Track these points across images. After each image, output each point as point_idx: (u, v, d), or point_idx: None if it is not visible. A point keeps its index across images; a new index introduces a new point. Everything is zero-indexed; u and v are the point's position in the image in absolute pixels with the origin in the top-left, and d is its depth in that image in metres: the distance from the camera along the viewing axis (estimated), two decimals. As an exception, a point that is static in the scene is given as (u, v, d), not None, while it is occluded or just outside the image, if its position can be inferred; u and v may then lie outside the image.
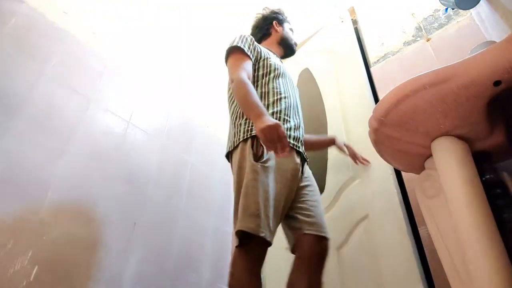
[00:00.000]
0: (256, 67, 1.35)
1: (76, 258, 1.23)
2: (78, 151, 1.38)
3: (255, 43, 1.39)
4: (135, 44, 1.87)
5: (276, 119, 1.21)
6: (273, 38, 1.61)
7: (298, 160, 1.22)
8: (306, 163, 1.31)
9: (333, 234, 1.19)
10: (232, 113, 1.33)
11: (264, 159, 1.11)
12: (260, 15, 1.68)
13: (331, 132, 1.81)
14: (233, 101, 1.34)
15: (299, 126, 1.31)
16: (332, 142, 1.59)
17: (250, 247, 1.02)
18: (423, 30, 1.71)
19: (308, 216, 1.16)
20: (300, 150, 1.25)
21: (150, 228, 1.53)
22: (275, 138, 0.97)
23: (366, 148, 1.46)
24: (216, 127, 2.18)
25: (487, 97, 0.73)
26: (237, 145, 1.20)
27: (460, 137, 0.82)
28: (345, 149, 1.54)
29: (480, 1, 1.19)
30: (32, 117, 1.27)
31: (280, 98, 1.29)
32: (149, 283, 1.43)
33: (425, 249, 1.24)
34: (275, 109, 1.25)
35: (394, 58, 1.76)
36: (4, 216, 1.10)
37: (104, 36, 1.70)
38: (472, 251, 0.69)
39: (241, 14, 1.77)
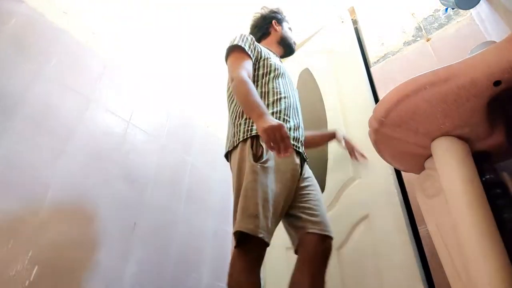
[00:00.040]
0: (256, 66, 1.35)
1: (76, 258, 1.23)
2: (78, 151, 1.37)
3: (255, 42, 1.39)
4: (135, 44, 1.87)
5: (275, 119, 1.21)
6: (272, 38, 1.61)
7: (297, 160, 1.22)
8: (306, 163, 1.31)
9: (333, 234, 1.19)
10: (232, 112, 1.32)
11: (264, 159, 1.11)
12: (258, 14, 1.68)
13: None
14: (233, 100, 1.34)
15: (299, 126, 1.31)
16: (332, 136, 1.59)
17: (249, 248, 1.02)
18: (423, 30, 1.71)
19: (312, 215, 1.16)
20: (300, 150, 1.25)
21: (150, 228, 1.53)
22: (278, 138, 0.97)
23: (366, 148, 1.46)
24: (216, 127, 2.18)
25: (487, 97, 0.73)
26: (237, 145, 1.19)
27: (460, 137, 0.82)
28: (343, 142, 1.54)
29: (480, 1, 1.19)
30: (31, 117, 1.27)
31: (280, 98, 1.29)
32: (149, 283, 1.43)
33: (425, 249, 1.24)
34: (275, 109, 1.24)
35: (394, 58, 1.76)
36: (4, 216, 1.09)
37: (104, 36, 1.70)
38: (472, 251, 0.69)
39: (240, 14, 1.77)
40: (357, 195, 1.53)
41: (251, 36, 1.40)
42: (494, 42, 0.96)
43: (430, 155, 0.87)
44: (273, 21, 1.63)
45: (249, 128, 1.19)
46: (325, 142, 1.65)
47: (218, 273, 1.75)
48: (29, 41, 1.37)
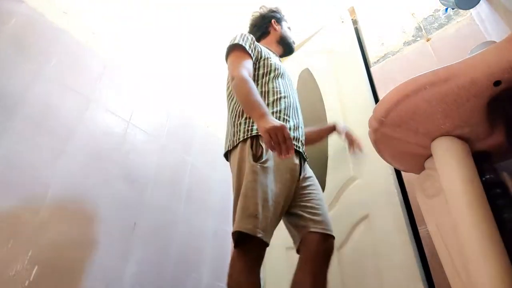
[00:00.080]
0: (256, 66, 1.35)
1: (76, 258, 1.23)
2: (78, 151, 1.38)
3: (256, 42, 1.39)
4: (135, 44, 1.87)
5: (276, 118, 1.21)
6: (272, 37, 1.61)
7: (297, 160, 1.21)
8: (306, 162, 1.31)
9: (334, 234, 1.19)
10: (231, 111, 1.32)
11: (263, 159, 1.11)
12: (257, 14, 1.67)
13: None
14: (232, 98, 1.34)
15: (299, 126, 1.31)
16: (333, 128, 1.60)
17: (248, 248, 1.02)
18: (423, 30, 1.71)
19: (314, 214, 1.17)
20: (300, 150, 1.25)
21: (150, 228, 1.53)
22: (280, 139, 0.97)
23: (366, 148, 1.47)
24: (216, 127, 2.18)
25: (487, 97, 0.73)
26: (237, 145, 1.19)
27: (460, 137, 0.82)
28: (344, 135, 1.55)
29: (480, 1, 1.18)
30: (31, 117, 1.27)
31: (280, 98, 1.29)
32: (149, 283, 1.43)
33: (425, 249, 1.24)
34: (275, 109, 1.24)
35: (394, 58, 1.75)
36: (4, 216, 1.10)
37: (104, 36, 1.70)
38: (472, 251, 0.69)
39: (240, 14, 1.77)
40: (357, 195, 1.53)
41: (251, 35, 1.39)
42: (494, 42, 0.96)
43: (430, 155, 0.87)
44: (273, 20, 1.63)
45: (250, 128, 1.18)
46: (326, 135, 1.66)
47: (218, 273, 1.75)
48: (29, 41, 1.37)
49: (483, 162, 0.83)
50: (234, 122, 1.26)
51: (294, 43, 1.66)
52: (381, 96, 1.63)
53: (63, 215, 1.25)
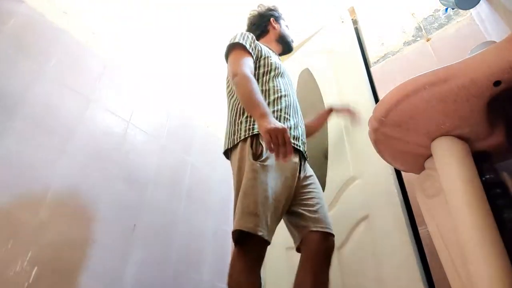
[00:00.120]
0: (257, 65, 1.35)
1: (76, 259, 1.23)
2: (78, 151, 1.37)
3: (256, 41, 1.39)
4: (135, 44, 1.87)
5: (276, 117, 1.21)
6: (271, 36, 1.61)
7: (297, 159, 1.22)
8: (306, 161, 1.31)
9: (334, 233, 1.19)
10: (232, 109, 1.32)
11: (263, 157, 1.11)
12: (255, 12, 1.67)
13: (330, 133, 1.81)
14: (233, 95, 1.34)
15: (299, 125, 1.31)
16: (329, 111, 1.66)
17: (249, 247, 1.02)
18: (423, 30, 1.71)
19: (314, 212, 1.17)
20: (301, 149, 1.25)
21: (150, 228, 1.53)
22: (280, 141, 0.97)
23: (366, 148, 1.46)
24: (216, 127, 2.18)
25: (487, 97, 0.73)
26: (237, 144, 1.19)
27: (460, 137, 0.82)
28: (343, 112, 1.62)
29: (480, 1, 1.18)
30: (31, 117, 1.27)
31: (281, 96, 1.29)
32: (149, 283, 1.43)
33: (425, 249, 1.24)
34: (275, 108, 1.25)
35: (394, 58, 1.75)
36: (4, 216, 1.09)
37: (104, 36, 1.70)
38: (472, 251, 0.69)
39: (240, 14, 1.76)
40: (357, 195, 1.53)
41: (252, 34, 1.40)
42: (494, 42, 0.96)
43: (430, 155, 0.87)
44: (271, 19, 1.63)
45: (250, 127, 1.18)
46: (324, 120, 1.70)
47: (218, 274, 1.75)
48: (29, 41, 1.37)
49: (483, 162, 0.83)
50: (235, 120, 1.25)
51: (293, 41, 1.67)
52: (381, 96, 1.63)
53: (63, 215, 1.25)
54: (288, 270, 1.63)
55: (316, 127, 1.64)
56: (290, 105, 1.31)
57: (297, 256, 1.16)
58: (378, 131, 0.87)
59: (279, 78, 1.35)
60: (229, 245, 1.89)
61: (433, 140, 0.84)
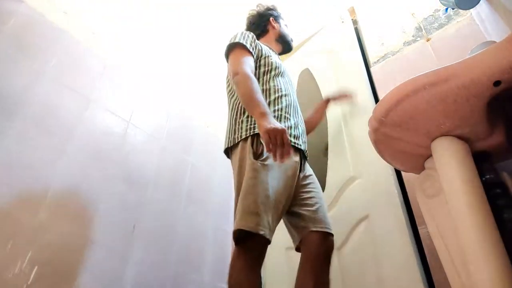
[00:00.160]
0: (257, 64, 1.35)
1: (76, 259, 1.23)
2: (78, 151, 1.37)
3: (256, 40, 1.39)
4: (135, 44, 1.87)
5: (277, 116, 1.22)
6: (271, 35, 1.62)
7: (297, 158, 1.22)
8: (306, 160, 1.31)
9: (334, 235, 1.19)
10: (232, 108, 1.32)
11: (264, 157, 1.11)
12: (254, 12, 1.68)
13: (330, 133, 1.81)
14: (233, 95, 1.34)
15: (299, 124, 1.31)
16: (327, 102, 1.70)
17: (249, 246, 1.02)
18: (423, 30, 1.71)
19: (314, 213, 1.17)
20: (302, 147, 1.25)
21: (150, 228, 1.53)
22: (279, 142, 0.98)
23: (366, 148, 1.46)
24: (216, 127, 2.18)
25: (487, 97, 0.73)
26: (237, 143, 1.19)
27: (460, 137, 0.82)
28: (339, 98, 1.67)
29: (480, 1, 1.18)
30: (31, 117, 1.27)
31: (281, 96, 1.29)
32: (149, 283, 1.43)
33: (425, 249, 1.24)
34: (276, 107, 1.25)
35: (394, 58, 1.75)
36: (4, 216, 1.09)
37: (104, 36, 1.70)
38: (472, 251, 0.69)
39: (240, 14, 1.77)
40: (357, 195, 1.53)
41: (252, 34, 1.40)
42: (494, 42, 0.96)
43: (430, 155, 0.87)
44: (271, 18, 1.63)
45: (251, 126, 1.18)
46: (323, 111, 1.73)
47: (219, 274, 1.75)
48: (29, 41, 1.37)
49: (483, 162, 0.83)
50: (236, 119, 1.26)
51: (292, 41, 1.68)
52: (381, 96, 1.63)
53: (62, 216, 1.25)
54: (288, 270, 1.63)
55: (316, 121, 1.66)
56: (291, 105, 1.31)
57: (297, 256, 1.16)
58: (378, 131, 0.87)
59: (280, 77, 1.36)
60: (230, 246, 1.89)
61: (433, 140, 0.84)
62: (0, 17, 1.31)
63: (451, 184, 0.77)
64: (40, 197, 1.20)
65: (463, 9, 1.40)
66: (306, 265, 1.09)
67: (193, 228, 1.75)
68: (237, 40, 1.32)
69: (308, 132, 1.57)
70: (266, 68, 1.35)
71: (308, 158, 1.33)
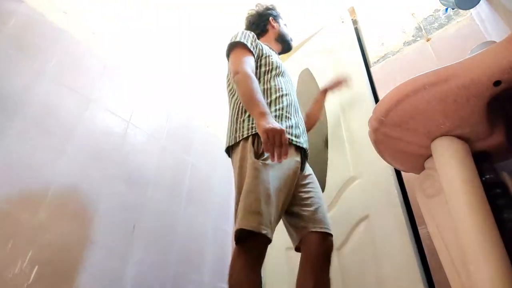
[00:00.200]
0: (258, 64, 1.35)
1: (76, 259, 1.23)
2: (77, 151, 1.37)
3: (257, 40, 1.39)
4: (135, 44, 1.87)
5: (278, 116, 1.22)
6: (270, 35, 1.62)
7: (298, 158, 1.22)
8: (306, 160, 1.32)
9: (333, 234, 1.19)
10: (233, 107, 1.32)
11: (265, 156, 1.11)
12: (254, 12, 1.68)
13: (330, 132, 1.81)
14: (234, 94, 1.34)
15: (299, 124, 1.32)
16: (324, 93, 1.72)
17: (250, 246, 1.02)
18: (423, 30, 1.71)
19: (314, 213, 1.17)
20: (304, 146, 1.25)
21: (150, 228, 1.53)
22: (277, 142, 0.98)
23: (366, 148, 1.46)
24: (216, 127, 2.18)
25: (487, 97, 0.73)
26: (238, 142, 1.19)
27: (460, 137, 0.82)
28: (335, 85, 1.70)
29: (480, 1, 1.18)
30: (31, 117, 1.27)
31: (282, 95, 1.29)
32: (149, 284, 1.43)
33: (425, 249, 1.24)
34: (277, 106, 1.25)
35: (394, 58, 1.75)
36: (4, 216, 1.09)
37: (104, 36, 1.70)
38: (472, 251, 0.69)
39: (241, 14, 1.77)
40: (357, 195, 1.53)
41: (253, 33, 1.40)
42: (494, 42, 0.96)
43: (430, 155, 0.87)
44: (270, 18, 1.63)
45: (253, 125, 1.18)
46: (322, 101, 1.74)
47: (219, 274, 1.75)
48: (29, 41, 1.37)
49: (483, 162, 0.83)
50: (237, 118, 1.26)
51: (292, 40, 1.68)
52: (381, 96, 1.63)
53: (63, 216, 1.25)
54: (288, 270, 1.63)
55: (316, 113, 1.68)
56: (291, 104, 1.31)
57: (297, 256, 1.16)
58: (378, 131, 0.87)
59: (280, 77, 1.36)
60: (230, 246, 1.89)
61: (433, 140, 0.84)
62: (0, 17, 1.31)
63: (451, 184, 0.77)
64: (40, 197, 1.20)
65: (463, 9, 1.40)
66: (306, 266, 1.09)
67: (193, 228, 1.75)
68: (238, 39, 1.32)
69: (310, 126, 1.59)
70: (267, 68, 1.35)
71: (308, 157, 1.34)
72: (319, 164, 1.75)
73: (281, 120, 1.22)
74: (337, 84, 1.71)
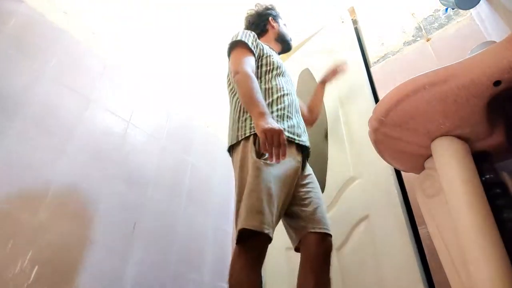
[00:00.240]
0: (259, 64, 1.35)
1: (76, 259, 1.23)
2: (77, 151, 1.37)
3: (258, 40, 1.39)
4: (135, 44, 1.87)
5: (279, 116, 1.22)
6: (270, 35, 1.62)
7: (299, 157, 1.22)
8: (307, 160, 1.32)
9: (333, 234, 1.19)
10: (235, 107, 1.32)
11: (266, 155, 1.11)
12: (253, 11, 1.68)
13: (330, 132, 1.81)
14: (234, 93, 1.34)
15: (300, 123, 1.32)
16: (323, 84, 1.73)
17: (251, 246, 1.02)
18: (423, 30, 1.71)
19: (313, 213, 1.17)
20: (306, 144, 1.25)
21: (151, 228, 1.53)
22: (275, 142, 0.98)
23: (366, 148, 1.46)
24: (216, 127, 2.18)
25: (487, 97, 0.73)
26: (239, 141, 1.19)
27: (460, 137, 0.82)
28: (331, 74, 1.71)
29: (480, 1, 1.18)
30: (31, 117, 1.27)
31: (283, 95, 1.30)
32: (149, 283, 1.43)
33: (425, 249, 1.24)
34: (278, 106, 1.25)
35: (394, 58, 1.75)
36: (4, 216, 1.09)
37: (104, 36, 1.70)
38: (472, 251, 0.69)
39: (241, 14, 1.77)
40: (357, 195, 1.53)
41: (253, 33, 1.40)
42: (494, 42, 0.96)
43: (430, 155, 0.87)
44: (270, 18, 1.63)
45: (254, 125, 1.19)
46: (322, 92, 1.75)
47: (219, 274, 1.75)
48: (29, 41, 1.37)
49: (483, 162, 0.83)
50: (239, 117, 1.26)
51: (291, 40, 1.68)
52: (381, 96, 1.63)
53: (63, 216, 1.25)
54: (287, 270, 1.63)
55: (316, 105, 1.69)
56: (292, 104, 1.31)
57: (297, 256, 1.16)
58: (378, 131, 0.87)
59: (281, 77, 1.36)
60: (230, 246, 1.89)
61: (433, 140, 0.84)
62: (0, 17, 1.31)
63: (451, 184, 0.77)
64: (40, 197, 1.20)
65: (463, 9, 1.40)
66: (306, 266, 1.09)
67: (193, 228, 1.75)
68: (238, 39, 1.32)
69: (313, 121, 1.59)
70: (268, 68, 1.35)
71: (308, 157, 1.34)
72: (319, 164, 1.75)
73: (283, 120, 1.22)
74: (333, 73, 1.72)
